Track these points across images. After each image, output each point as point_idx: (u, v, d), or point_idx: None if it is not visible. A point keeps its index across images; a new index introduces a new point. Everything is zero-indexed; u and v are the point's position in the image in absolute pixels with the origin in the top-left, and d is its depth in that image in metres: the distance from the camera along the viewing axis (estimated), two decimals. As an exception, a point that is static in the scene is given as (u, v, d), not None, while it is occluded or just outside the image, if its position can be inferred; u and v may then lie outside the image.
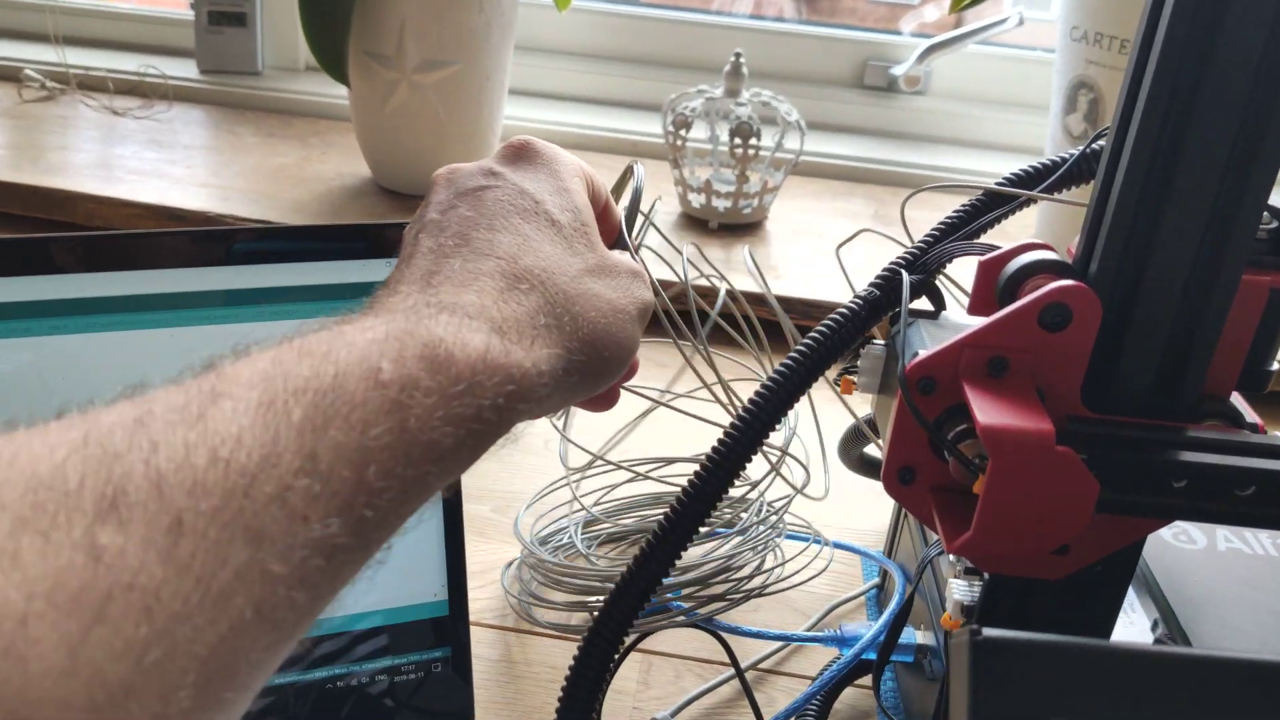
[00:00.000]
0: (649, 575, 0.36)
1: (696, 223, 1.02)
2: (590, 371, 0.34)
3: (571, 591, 0.54)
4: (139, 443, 0.22)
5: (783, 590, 0.53)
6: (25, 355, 0.38)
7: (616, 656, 0.37)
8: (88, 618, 0.19)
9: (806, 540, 0.57)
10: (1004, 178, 0.40)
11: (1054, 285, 0.32)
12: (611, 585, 0.35)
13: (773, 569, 0.53)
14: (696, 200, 1.01)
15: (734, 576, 0.52)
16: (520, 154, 0.37)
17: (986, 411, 0.31)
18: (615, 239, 0.41)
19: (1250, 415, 0.36)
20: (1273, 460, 0.33)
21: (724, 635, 0.50)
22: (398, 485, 0.26)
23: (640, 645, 0.53)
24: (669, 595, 0.50)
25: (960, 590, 0.39)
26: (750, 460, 0.36)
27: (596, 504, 0.61)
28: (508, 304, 0.31)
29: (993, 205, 0.40)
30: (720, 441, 0.36)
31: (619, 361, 0.35)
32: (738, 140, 0.95)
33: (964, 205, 0.40)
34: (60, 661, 0.19)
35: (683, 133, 0.98)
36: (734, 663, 0.49)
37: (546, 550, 0.56)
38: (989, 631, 0.23)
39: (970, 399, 0.31)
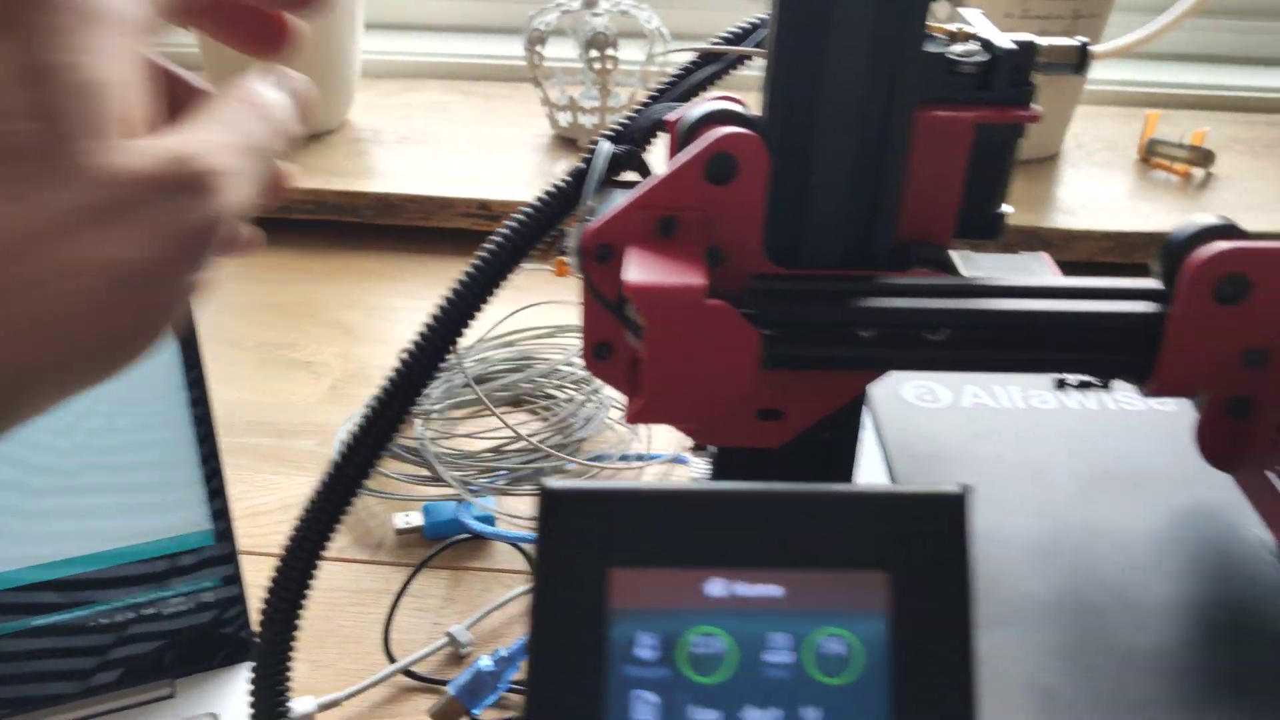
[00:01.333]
0: (337, 500, 0.34)
1: (568, 142, 0.99)
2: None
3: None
4: None
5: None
6: None
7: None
8: None
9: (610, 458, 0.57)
10: (723, 34, 0.38)
11: (715, 134, 0.30)
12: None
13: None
14: (564, 119, 0.98)
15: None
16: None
17: (636, 271, 0.29)
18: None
19: None
20: (966, 299, 0.31)
21: (522, 546, 0.49)
22: None
23: (450, 562, 0.52)
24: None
25: (697, 469, 0.38)
26: (435, 372, 0.34)
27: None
28: None
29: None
30: (403, 355, 0.34)
31: (109, 349, 0.20)
32: (594, 52, 0.92)
33: (681, 67, 0.38)
34: None
35: (539, 49, 0.94)
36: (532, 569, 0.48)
37: None
38: (552, 484, 0.22)
39: (626, 261, 0.30)
